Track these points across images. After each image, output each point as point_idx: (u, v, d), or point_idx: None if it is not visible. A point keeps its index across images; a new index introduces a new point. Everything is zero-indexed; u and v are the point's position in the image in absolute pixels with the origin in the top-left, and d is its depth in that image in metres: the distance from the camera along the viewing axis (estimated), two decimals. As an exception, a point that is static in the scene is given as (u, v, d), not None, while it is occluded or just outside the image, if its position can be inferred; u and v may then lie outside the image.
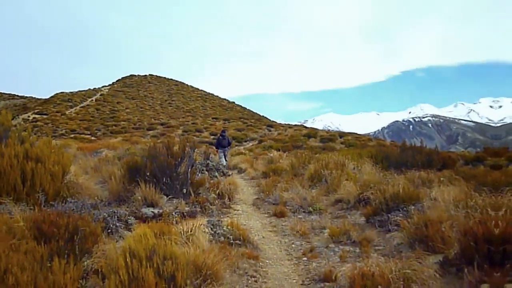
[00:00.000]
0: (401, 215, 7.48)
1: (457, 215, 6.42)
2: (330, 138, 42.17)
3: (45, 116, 59.15)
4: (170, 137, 22.05)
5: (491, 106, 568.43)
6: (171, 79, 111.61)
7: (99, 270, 4.54)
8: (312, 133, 46.48)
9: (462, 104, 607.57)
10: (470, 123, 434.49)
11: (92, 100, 77.24)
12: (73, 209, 6.53)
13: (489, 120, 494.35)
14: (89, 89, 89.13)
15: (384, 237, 7.33)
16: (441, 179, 10.51)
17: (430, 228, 6.12)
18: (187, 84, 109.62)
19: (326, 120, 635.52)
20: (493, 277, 4.56)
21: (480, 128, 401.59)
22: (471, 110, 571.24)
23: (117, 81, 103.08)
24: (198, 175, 12.20)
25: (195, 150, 11.79)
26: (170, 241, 4.94)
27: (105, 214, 6.74)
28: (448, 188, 8.64)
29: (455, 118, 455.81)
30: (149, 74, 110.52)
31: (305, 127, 64.45)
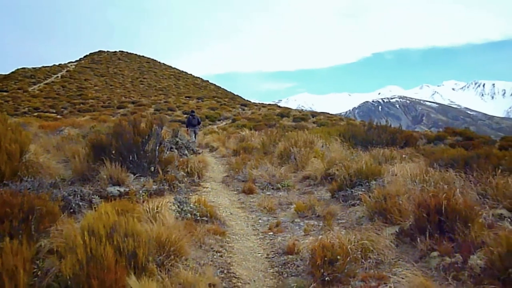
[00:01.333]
0: (363, 189, 7.72)
1: (414, 189, 6.69)
2: (302, 118, 42.47)
3: (5, 93, 55.95)
4: (137, 115, 21.70)
5: (453, 89, 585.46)
6: (143, 56, 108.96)
7: (56, 249, 4.46)
8: (285, 112, 46.67)
9: (427, 86, 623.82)
10: (434, 104, 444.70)
11: (58, 76, 74.49)
12: (29, 188, 6.38)
13: (451, 101, 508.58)
14: (54, 65, 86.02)
15: (347, 211, 7.53)
16: (403, 156, 10.79)
17: (389, 201, 6.34)
18: (159, 62, 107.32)
19: (299, 100, 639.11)
20: (442, 245, 4.76)
21: (443, 109, 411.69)
22: (435, 92, 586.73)
23: (84, 57, 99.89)
24: (166, 153, 12.09)
25: (163, 128, 11.66)
26: (133, 218, 4.90)
27: (65, 193, 6.61)
28: (408, 164, 8.89)
29: (420, 100, 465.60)
30: (119, 51, 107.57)
31: (279, 106, 64.50)
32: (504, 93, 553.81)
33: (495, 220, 5.68)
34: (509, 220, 5.73)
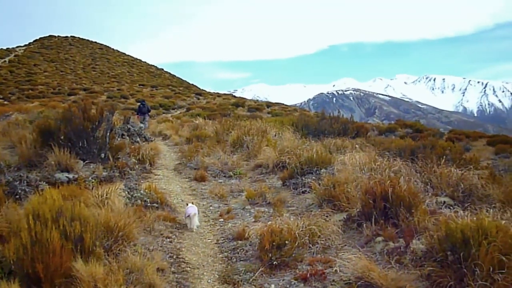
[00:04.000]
0: (313, 177, 7.87)
1: (362, 177, 6.86)
2: (257, 108, 42.60)
3: None
4: (88, 101, 21.23)
5: (405, 82, 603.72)
6: (95, 42, 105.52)
7: (0, 234, 4.35)
8: (240, 102, 46.70)
9: (381, 79, 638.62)
10: (387, 97, 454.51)
11: (5, 61, 70.89)
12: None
13: (403, 95, 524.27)
14: (1, 49, 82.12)
15: (297, 198, 7.69)
16: (354, 145, 11.06)
17: (337, 189, 6.51)
18: (112, 48, 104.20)
19: (255, 90, 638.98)
20: (386, 230, 4.96)
21: (395, 102, 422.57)
22: (388, 85, 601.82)
23: (34, 41, 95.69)
24: (117, 139, 11.90)
25: (115, 115, 11.45)
26: (80, 203, 4.84)
27: (9, 178, 6.42)
28: (358, 154, 9.13)
29: (373, 92, 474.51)
30: (71, 36, 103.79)
31: (234, 96, 64.39)
32: (454, 87, 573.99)
33: (437, 207, 5.95)
34: (451, 207, 6.03)
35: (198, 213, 6.44)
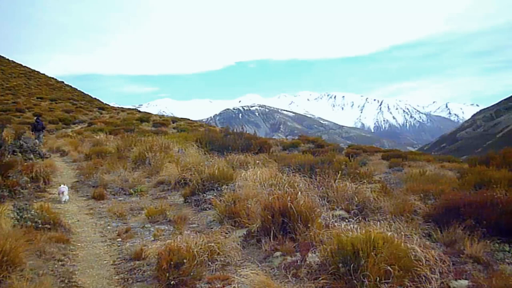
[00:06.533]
0: (215, 194, 7.91)
1: (262, 193, 6.99)
2: (163, 123, 41.95)
3: None
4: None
5: (308, 99, 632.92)
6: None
7: None
8: (145, 117, 45.71)
9: (285, 95, 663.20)
10: (291, 113, 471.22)
11: None
12: None
13: (306, 111, 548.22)
14: None
15: (198, 215, 7.66)
16: (257, 161, 11.30)
17: (238, 205, 6.58)
18: (7, 59, 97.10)
19: (161, 105, 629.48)
20: (284, 245, 5.12)
21: (299, 118, 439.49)
22: (292, 101, 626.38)
23: None
24: (8, 156, 11.11)
25: (6, 130, 10.70)
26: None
27: None
28: (260, 169, 9.34)
29: (278, 109, 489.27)
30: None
31: (139, 111, 62.94)
32: (353, 104, 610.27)
33: (333, 220, 6.16)
34: (346, 220, 6.35)
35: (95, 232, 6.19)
